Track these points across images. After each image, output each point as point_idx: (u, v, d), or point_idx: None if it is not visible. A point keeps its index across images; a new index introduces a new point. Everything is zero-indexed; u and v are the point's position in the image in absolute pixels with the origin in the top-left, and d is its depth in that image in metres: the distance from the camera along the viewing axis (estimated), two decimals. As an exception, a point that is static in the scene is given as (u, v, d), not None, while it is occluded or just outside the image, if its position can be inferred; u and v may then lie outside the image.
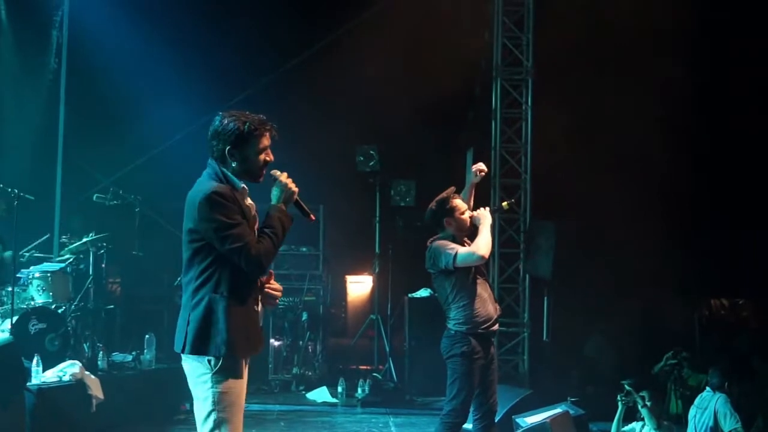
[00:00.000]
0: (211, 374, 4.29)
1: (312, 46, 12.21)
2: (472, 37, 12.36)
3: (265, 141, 4.43)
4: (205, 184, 4.37)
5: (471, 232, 6.37)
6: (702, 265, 12.20)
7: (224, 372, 4.30)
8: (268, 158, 4.45)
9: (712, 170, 12.32)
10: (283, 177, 4.48)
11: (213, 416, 4.29)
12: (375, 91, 12.51)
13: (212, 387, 4.29)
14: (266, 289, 4.53)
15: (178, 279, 10.07)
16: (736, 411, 7.83)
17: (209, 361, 4.29)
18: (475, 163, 6.87)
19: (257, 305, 4.50)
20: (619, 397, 7.95)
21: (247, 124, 4.37)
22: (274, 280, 4.61)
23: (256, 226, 4.50)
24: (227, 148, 4.37)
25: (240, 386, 4.40)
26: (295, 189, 4.48)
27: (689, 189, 12.18)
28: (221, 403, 4.29)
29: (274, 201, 4.47)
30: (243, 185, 4.46)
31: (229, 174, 4.41)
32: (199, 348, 4.29)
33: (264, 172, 4.47)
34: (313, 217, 4.65)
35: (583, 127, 11.86)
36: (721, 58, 11.99)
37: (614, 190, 11.75)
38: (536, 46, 11.73)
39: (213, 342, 4.27)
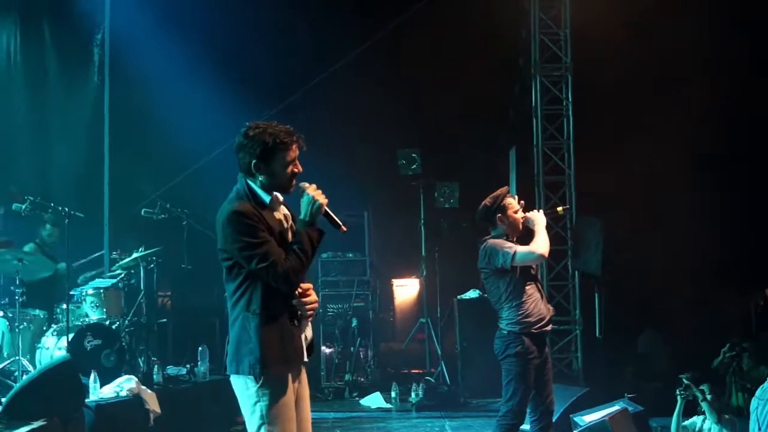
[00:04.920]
0: (256, 389, 4.35)
1: (351, 51, 12.21)
2: (509, 35, 12.31)
3: (293, 153, 4.42)
4: (228, 204, 4.40)
5: (522, 234, 6.34)
6: (755, 254, 11.99)
7: (267, 385, 4.35)
8: (296, 170, 4.45)
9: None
10: (311, 189, 4.46)
11: (263, 430, 4.36)
12: (415, 94, 12.51)
13: (258, 401, 4.36)
14: (301, 301, 4.48)
15: (228, 290, 10.13)
16: (801, 402, 7.68)
17: (253, 377, 4.35)
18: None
19: (295, 319, 4.46)
20: (678, 392, 7.84)
21: (273, 137, 4.35)
22: (313, 291, 4.57)
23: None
24: (253, 161, 4.37)
25: (287, 397, 4.41)
26: (324, 200, 4.44)
27: (743, 178, 11.99)
28: (268, 416, 4.35)
29: (302, 215, 4.45)
30: (275, 195, 4.45)
31: (256, 188, 4.41)
32: (236, 368, 4.39)
33: (293, 183, 4.47)
34: (345, 228, 4.60)
35: (630, 118, 11.76)
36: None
37: (663, 181, 11.64)
38: (574, 41, 11.65)
39: (247, 362, 4.34)
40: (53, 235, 9.39)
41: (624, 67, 11.74)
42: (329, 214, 4.52)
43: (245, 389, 4.39)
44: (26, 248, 9.27)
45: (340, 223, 4.57)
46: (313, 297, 4.55)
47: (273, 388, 4.36)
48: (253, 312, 4.32)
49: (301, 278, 4.42)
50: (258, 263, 4.25)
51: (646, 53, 11.80)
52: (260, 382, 4.33)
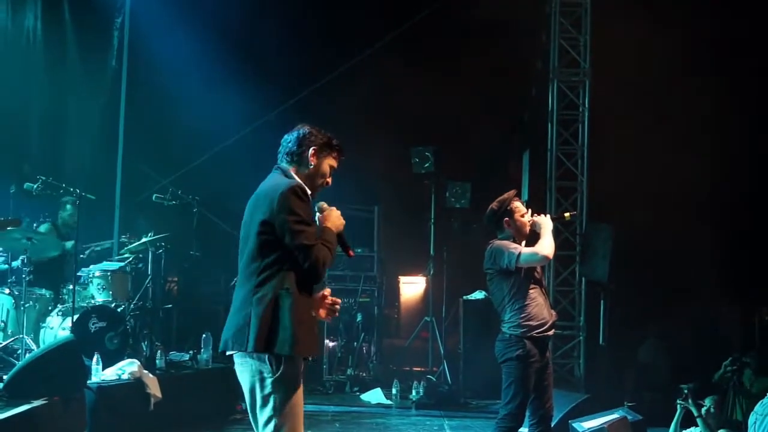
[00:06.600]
0: (272, 379, 4.28)
1: (368, 47, 12.22)
2: (528, 38, 12.30)
3: (336, 162, 4.65)
4: (283, 179, 4.48)
5: (529, 237, 6.34)
6: (760, 268, 11.97)
7: (285, 376, 4.29)
8: (329, 179, 4.65)
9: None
10: (332, 209, 4.66)
11: (274, 421, 4.29)
12: (431, 93, 12.51)
13: (273, 392, 4.29)
14: (326, 302, 4.63)
15: (235, 279, 10.15)
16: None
17: (270, 362, 4.27)
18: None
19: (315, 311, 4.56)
20: (678, 401, 7.82)
21: (335, 140, 4.62)
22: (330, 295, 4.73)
23: None
24: (313, 149, 4.54)
25: (299, 389, 4.40)
26: (343, 222, 4.64)
27: (747, 192, 11.96)
28: (283, 408, 4.29)
29: (328, 224, 4.58)
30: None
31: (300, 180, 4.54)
32: (263, 345, 4.26)
33: (319, 189, 4.66)
34: (352, 253, 4.87)
35: (641, 127, 11.73)
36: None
37: (672, 192, 11.61)
38: (594, 47, 11.62)
39: (279, 338, 4.26)
40: (75, 215, 9.37)
41: (642, 74, 11.69)
42: (342, 236, 4.67)
43: (261, 377, 4.31)
44: (42, 228, 9.31)
45: (350, 247, 4.78)
46: (337, 299, 4.76)
47: (290, 379, 4.32)
48: (287, 290, 4.32)
49: (325, 271, 4.54)
50: (304, 240, 4.30)
51: (665, 59, 11.73)
52: (280, 369, 4.27)
